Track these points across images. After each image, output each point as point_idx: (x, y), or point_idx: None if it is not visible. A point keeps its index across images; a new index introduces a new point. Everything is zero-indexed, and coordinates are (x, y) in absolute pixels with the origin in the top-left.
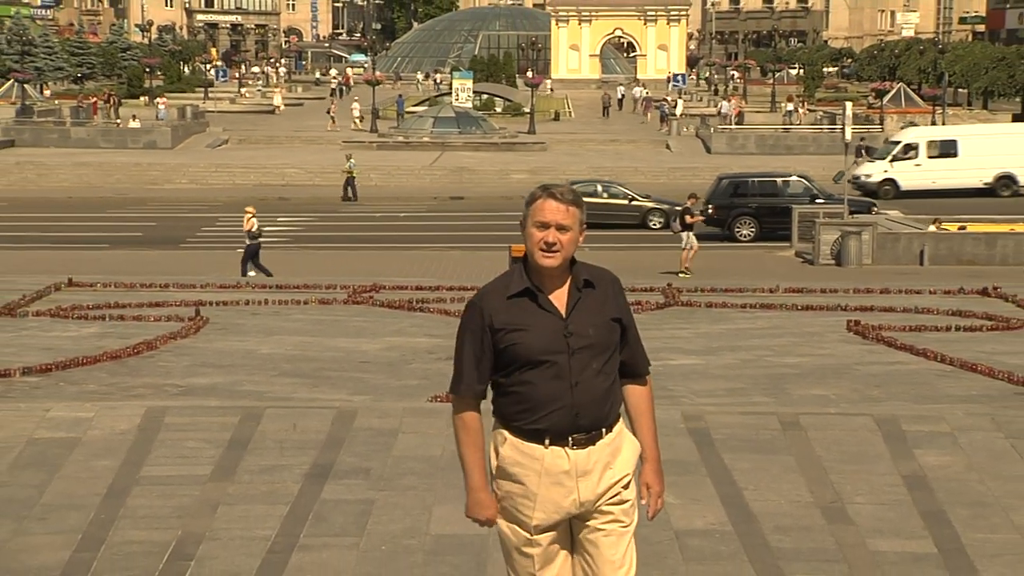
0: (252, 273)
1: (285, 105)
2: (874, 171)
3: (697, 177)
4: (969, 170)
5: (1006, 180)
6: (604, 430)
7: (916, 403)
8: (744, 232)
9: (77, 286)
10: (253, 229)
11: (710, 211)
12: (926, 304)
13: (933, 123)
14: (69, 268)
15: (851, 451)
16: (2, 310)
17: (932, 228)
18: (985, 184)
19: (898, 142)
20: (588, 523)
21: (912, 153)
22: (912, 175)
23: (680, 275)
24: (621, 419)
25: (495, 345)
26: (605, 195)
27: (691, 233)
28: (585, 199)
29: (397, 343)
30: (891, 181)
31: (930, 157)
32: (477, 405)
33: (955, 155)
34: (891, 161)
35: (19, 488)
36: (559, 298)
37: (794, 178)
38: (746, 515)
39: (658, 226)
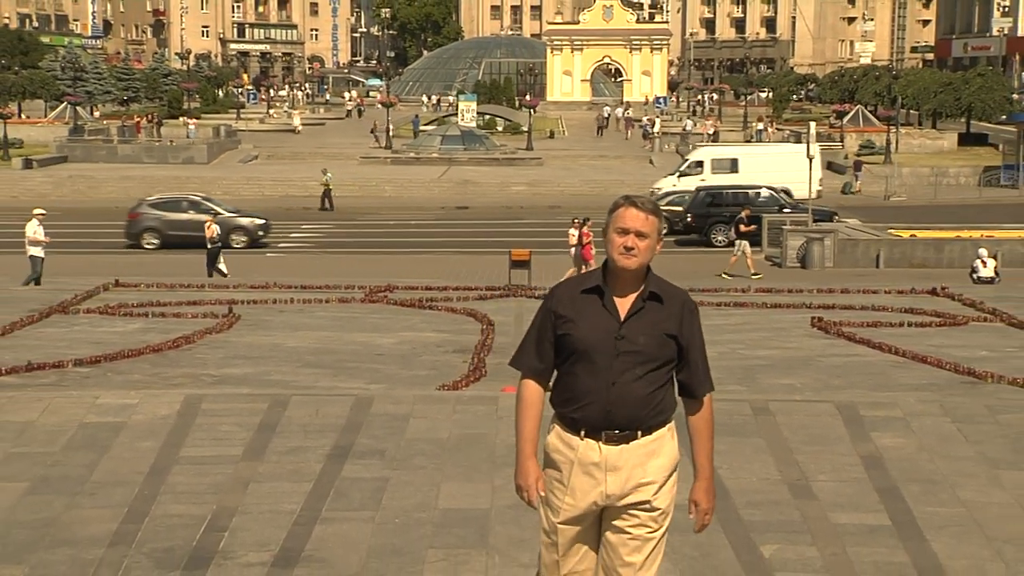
0: (224, 269)
1: (308, 125)
2: (665, 185)
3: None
4: (749, 183)
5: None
6: (640, 432)
7: (872, 391)
8: (719, 238)
9: (123, 287)
10: (214, 236)
11: (688, 219)
12: (881, 303)
13: (888, 141)
14: (116, 271)
15: (815, 434)
16: (56, 308)
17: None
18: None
19: (687, 160)
20: (615, 523)
21: (699, 169)
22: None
23: (724, 276)
24: (667, 428)
25: (555, 330)
26: None
27: (745, 241)
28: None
29: (409, 338)
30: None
31: (714, 173)
32: (537, 381)
33: (736, 171)
34: (679, 176)
35: (71, 467)
36: (624, 303)
37: (764, 190)
38: (721, 491)
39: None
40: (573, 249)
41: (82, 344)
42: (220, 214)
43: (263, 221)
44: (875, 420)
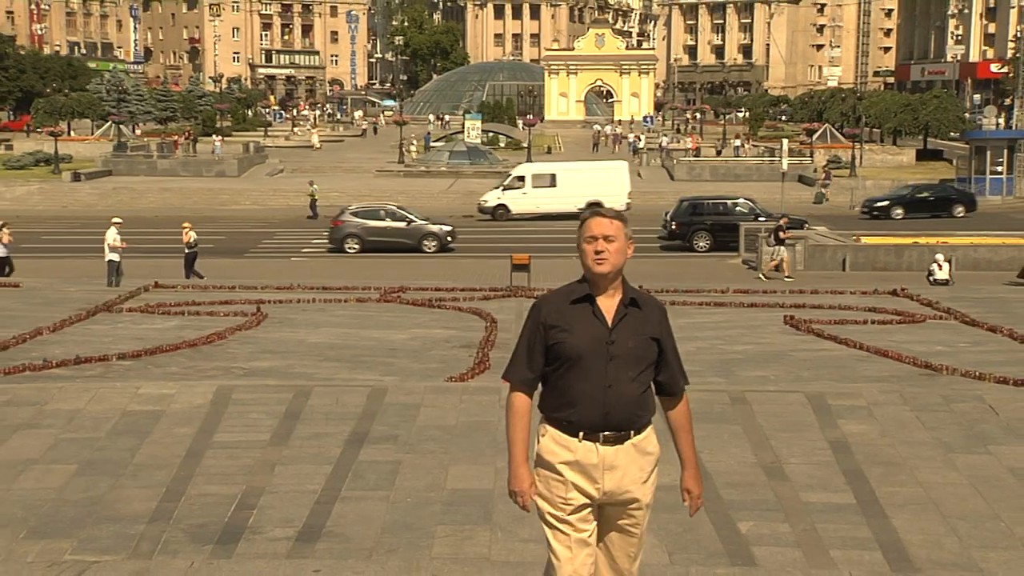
0: (197, 276)
1: (328, 142)
2: (491, 198)
3: (663, 199)
4: (566, 198)
5: (595, 206)
6: (633, 432)
7: (839, 382)
8: (701, 244)
9: (162, 288)
10: (191, 241)
11: (673, 227)
12: (847, 302)
13: (853, 157)
14: (155, 273)
15: (787, 421)
16: (101, 307)
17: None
18: (579, 209)
19: (511, 175)
20: (613, 521)
21: (521, 183)
22: (520, 201)
23: (761, 278)
24: (652, 426)
25: (546, 341)
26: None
27: (782, 247)
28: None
29: (420, 334)
30: (503, 206)
31: (534, 187)
32: (526, 391)
33: (555, 186)
34: (503, 190)
35: (115, 451)
36: (608, 310)
37: (741, 200)
38: (702, 473)
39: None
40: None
41: (125, 340)
42: (414, 221)
43: (449, 228)
44: (841, 408)
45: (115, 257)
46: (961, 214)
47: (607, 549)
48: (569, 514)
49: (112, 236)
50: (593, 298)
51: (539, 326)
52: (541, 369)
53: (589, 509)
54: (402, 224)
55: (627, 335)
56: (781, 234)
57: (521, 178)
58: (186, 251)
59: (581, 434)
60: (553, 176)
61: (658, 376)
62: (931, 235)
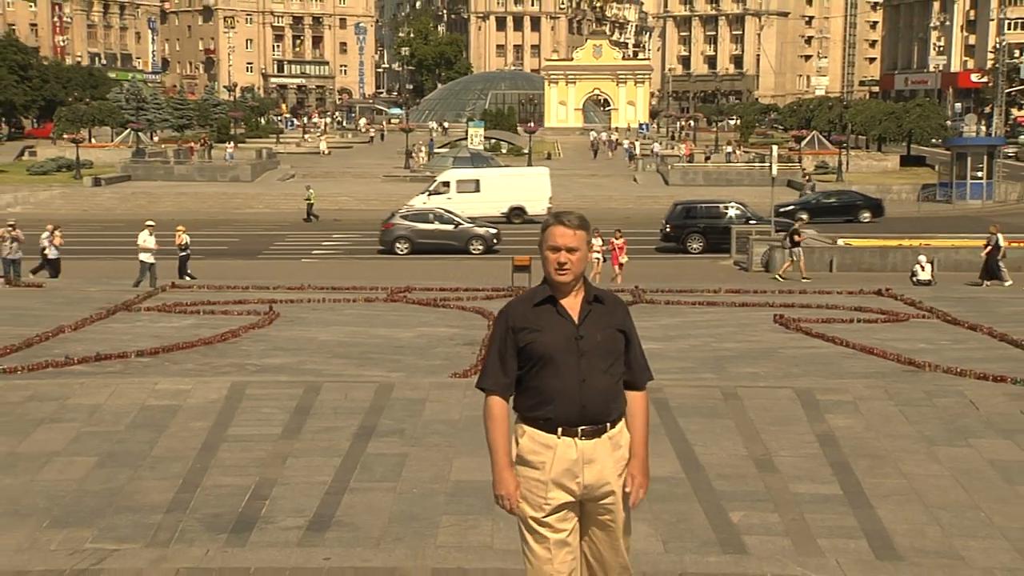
0: (189, 277)
1: (337, 148)
2: (417, 202)
3: (657, 203)
4: (489, 202)
5: (518, 211)
6: (608, 424)
7: (826, 378)
8: (694, 246)
9: (178, 288)
10: (183, 243)
11: (668, 230)
12: (834, 302)
13: (840, 162)
14: (172, 274)
15: (776, 415)
16: (121, 306)
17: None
18: (502, 213)
19: (437, 180)
20: (594, 516)
21: (446, 189)
22: (445, 206)
23: (777, 278)
24: (623, 420)
25: (517, 344)
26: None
27: (799, 248)
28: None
29: (425, 332)
30: None
31: (459, 192)
32: (502, 396)
33: (478, 191)
34: (429, 195)
35: (134, 443)
36: (573, 309)
37: (732, 204)
38: (695, 465)
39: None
40: (591, 255)
41: (143, 337)
42: (461, 224)
43: (495, 231)
44: (828, 403)
45: (148, 258)
46: (867, 219)
47: (592, 545)
48: (548, 515)
49: (143, 238)
50: (556, 299)
51: (508, 331)
52: (514, 373)
53: (569, 508)
54: (450, 227)
55: (595, 330)
56: (796, 237)
57: (447, 183)
58: (180, 253)
59: (560, 430)
60: (477, 181)
61: (624, 369)
62: (915, 238)
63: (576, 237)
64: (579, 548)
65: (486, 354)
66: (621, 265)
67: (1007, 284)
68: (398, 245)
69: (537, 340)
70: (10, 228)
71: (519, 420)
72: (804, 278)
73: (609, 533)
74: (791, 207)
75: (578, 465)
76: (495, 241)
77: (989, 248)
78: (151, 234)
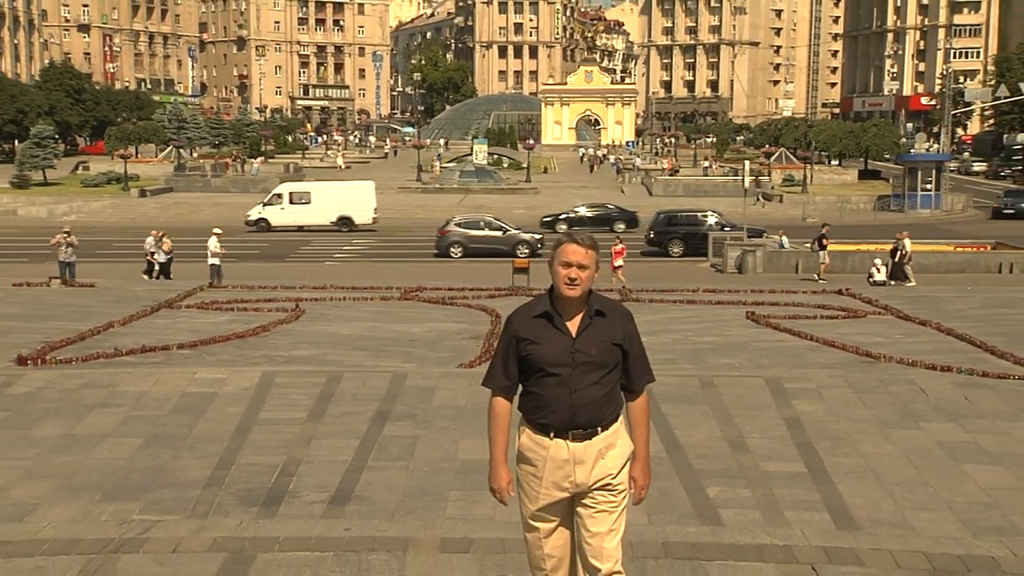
0: (172, 278)
1: (356, 163)
2: (254, 213)
3: (642, 212)
4: (319, 212)
5: (345, 220)
6: (600, 428)
7: (793, 368)
8: (675, 250)
9: (215, 288)
10: (168, 249)
11: (651, 236)
12: (800, 300)
13: (804, 176)
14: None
15: (748, 401)
16: (164, 304)
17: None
18: (331, 223)
19: (272, 192)
20: (585, 502)
21: (279, 200)
22: (279, 216)
23: (819, 280)
24: (619, 422)
25: (519, 352)
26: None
27: (826, 251)
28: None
29: (435, 327)
30: (264, 219)
31: (292, 203)
32: (504, 397)
33: (309, 203)
34: (264, 206)
35: (176, 426)
36: (573, 322)
37: (710, 213)
38: (676, 446)
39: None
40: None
41: (184, 332)
42: (508, 231)
43: (540, 236)
44: (795, 391)
45: (216, 261)
46: (622, 230)
47: (581, 532)
48: (541, 507)
49: (213, 244)
50: (557, 312)
51: (511, 339)
52: (516, 377)
53: (561, 502)
54: (499, 233)
55: (590, 344)
56: (824, 240)
57: (280, 196)
58: (164, 259)
59: (552, 433)
60: (308, 194)
61: (621, 377)
62: (871, 243)
63: (588, 256)
64: (570, 537)
65: (493, 356)
66: (618, 268)
67: (910, 285)
68: (452, 249)
69: (535, 352)
70: (66, 234)
71: (522, 421)
72: (820, 279)
73: (595, 521)
74: (549, 218)
75: (569, 465)
76: (539, 245)
77: (898, 252)
78: (219, 240)
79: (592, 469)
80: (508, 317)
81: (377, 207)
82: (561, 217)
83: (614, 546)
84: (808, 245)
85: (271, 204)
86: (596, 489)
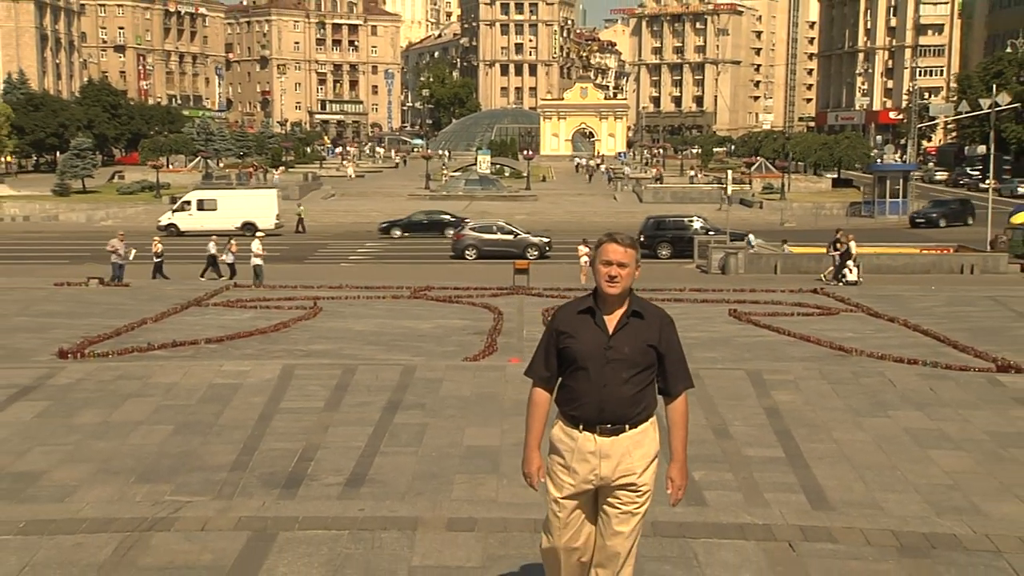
0: (164, 278)
1: (370, 172)
2: (164, 219)
3: (634, 217)
4: (225, 218)
5: (249, 225)
6: (628, 426)
7: (772, 362)
8: (663, 252)
9: (239, 287)
10: (158, 251)
11: (641, 239)
12: (778, 299)
13: (782, 184)
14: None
15: (731, 392)
16: (193, 302)
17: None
18: (236, 228)
19: (181, 199)
20: (609, 500)
21: (188, 207)
22: (187, 221)
23: (856, 281)
24: (650, 422)
25: (557, 345)
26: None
27: (839, 254)
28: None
29: (442, 323)
30: (174, 224)
31: (199, 210)
32: (543, 387)
33: (216, 209)
34: (174, 212)
35: (204, 415)
36: (612, 320)
37: (695, 218)
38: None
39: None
40: (582, 260)
41: (211, 328)
42: (519, 235)
43: (548, 240)
44: (774, 382)
45: (259, 262)
46: (451, 234)
47: (603, 526)
48: (566, 496)
49: (256, 246)
50: (598, 309)
51: (553, 332)
52: (555, 368)
53: (585, 492)
54: (510, 237)
55: (624, 342)
56: (839, 245)
57: (188, 202)
58: (155, 259)
59: (581, 426)
60: (215, 201)
61: (658, 379)
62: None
63: (627, 255)
64: (593, 528)
65: (537, 348)
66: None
67: (847, 282)
68: (467, 252)
69: (572, 345)
70: (121, 238)
71: (558, 414)
72: (839, 280)
73: (620, 519)
74: (386, 224)
75: (595, 458)
76: (548, 248)
77: (839, 253)
78: (261, 243)
79: (617, 465)
80: (554, 312)
81: (280, 213)
82: (397, 222)
83: (630, 547)
84: (825, 249)
85: (181, 210)
86: (620, 488)
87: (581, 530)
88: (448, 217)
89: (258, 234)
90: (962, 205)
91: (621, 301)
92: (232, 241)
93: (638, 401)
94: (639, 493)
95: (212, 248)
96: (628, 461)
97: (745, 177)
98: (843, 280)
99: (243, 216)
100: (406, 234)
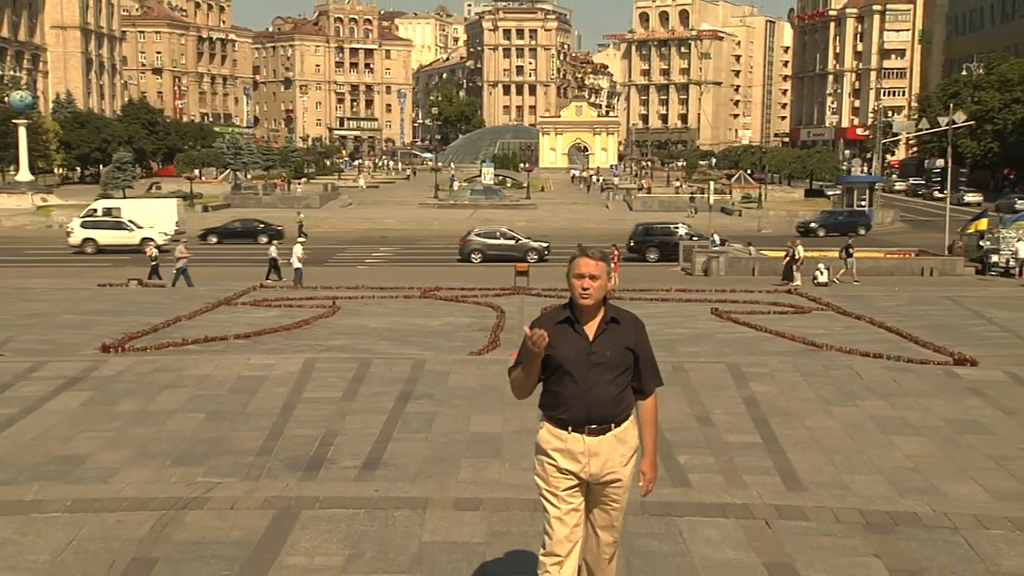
0: (158, 279)
1: (384, 183)
2: (74, 225)
3: (624, 224)
4: (129, 232)
5: (147, 238)
6: (613, 425)
7: (749, 356)
8: (651, 256)
9: (265, 287)
10: (152, 255)
11: (631, 244)
12: (756, 298)
13: (760, 194)
14: (260, 277)
15: (712, 383)
16: (223, 301)
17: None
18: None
19: (89, 207)
20: (598, 497)
21: (94, 214)
22: (105, 236)
23: (855, 283)
24: (631, 420)
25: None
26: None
27: (853, 259)
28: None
29: (450, 321)
30: (91, 240)
31: (103, 218)
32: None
33: (120, 219)
34: (80, 219)
35: (233, 404)
36: (591, 327)
37: (680, 225)
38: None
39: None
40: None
41: (239, 324)
42: (520, 240)
43: (547, 245)
44: (751, 374)
45: (300, 265)
46: (265, 241)
47: (591, 520)
48: (561, 490)
49: (299, 250)
50: (575, 319)
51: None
52: (539, 374)
53: (577, 487)
54: (512, 242)
55: (605, 347)
56: (851, 249)
57: (95, 211)
58: (151, 263)
59: (569, 428)
60: (119, 209)
61: (632, 380)
62: (815, 250)
63: (598, 267)
64: (585, 520)
65: (517, 356)
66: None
67: (796, 283)
68: (473, 256)
69: (556, 353)
70: (186, 245)
71: (542, 417)
72: (855, 282)
73: (607, 513)
74: (204, 232)
75: (584, 456)
76: (546, 252)
77: (787, 257)
78: (303, 248)
79: (604, 462)
80: (532, 323)
81: (179, 220)
82: (214, 229)
83: (616, 535)
84: (837, 253)
85: (86, 217)
86: (607, 484)
87: (576, 520)
88: (262, 225)
89: (300, 239)
90: (850, 216)
91: (596, 310)
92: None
93: (620, 401)
94: (622, 488)
95: (273, 252)
96: (614, 458)
97: (726, 187)
98: (792, 281)
99: (145, 223)
100: (222, 241)
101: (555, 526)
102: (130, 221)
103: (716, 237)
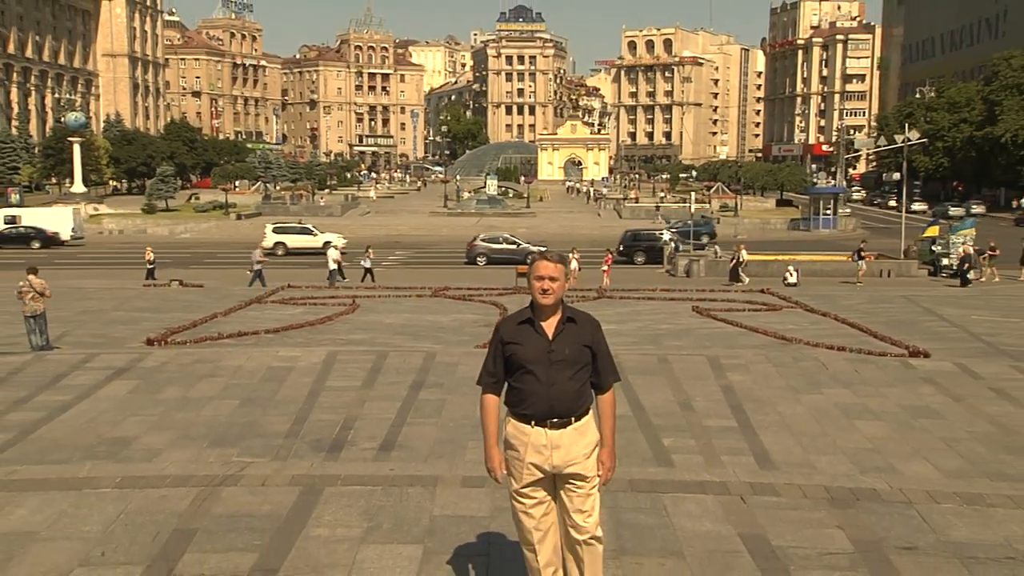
0: (154, 279)
1: (399, 194)
2: None
3: (614, 230)
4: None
5: (55, 235)
6: (573, 419)
7: (727, 349)
8: (639, 259)
9: (292, 287)
10: (151, 259)
11: (621, 249)
12: (733, 298)
13: (736, 204)
14: (287, 278)
15: (694, 373)
16: (254, 300)
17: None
18: (36, 245)
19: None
20: (565, 486)
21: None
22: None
23: (858, 284)
24: (590, 414)
25: (504, 353)
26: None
27: (864, 261)
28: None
29: (458, 317)
30: None
31: (6, 224)
32: (492, 392)
33: (18, 223)
34: (4, 222)
35: (263, 392)
36: (549, 327)
37: (665, 231)
38: (639, 407)
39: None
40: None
41: (269, 321)
42: (521, 244)
43: (545, 249)
44: (729, 365)
45: (335, 267)
46: (37, 247)
47: (563, 508)
48: (525, 485)
49: (336, 254)
50: (537, 319)
51: (499, 342)
52: (502, 374)
53: (543, 479)
54: (514, 246)
55: (564, 345)
56: (862, 252)
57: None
58: (148, 266)
59: (533, 422)
60: (21, 217)
61: (591, 376)
62: (785, 254)
63: (556, 269)
64: (554, 512)
65: (485, 356)
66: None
67: (745, 282)
68: (478, 259)
69: (517, 352)
70: (263, 249)
71: (508, 414)
72: (858, 283)
73: (576, 500)
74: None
75: (547, 449)
76: None
77: (734, 260)
78: (340, 252)
79: (567, 454)
80: (497, 324)
81: (75, 227)
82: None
83: (592, 522)
84: (849, 256)
85: (10, 222)
86: (571, 474)
87: (544, 513)
88: (34, 230)
89: (335, 244)
90: (697, 225)
91: (555, 310)
92: (369, 250)
93: (580, 395)
94: (588, 478)
95: (336, 255)
96: (576, 449)
97: (706, 198)
98: (738, 282)
99: (46, 227)
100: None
101: (522, 519)
102: (314, 227)
103: (717, 248)
